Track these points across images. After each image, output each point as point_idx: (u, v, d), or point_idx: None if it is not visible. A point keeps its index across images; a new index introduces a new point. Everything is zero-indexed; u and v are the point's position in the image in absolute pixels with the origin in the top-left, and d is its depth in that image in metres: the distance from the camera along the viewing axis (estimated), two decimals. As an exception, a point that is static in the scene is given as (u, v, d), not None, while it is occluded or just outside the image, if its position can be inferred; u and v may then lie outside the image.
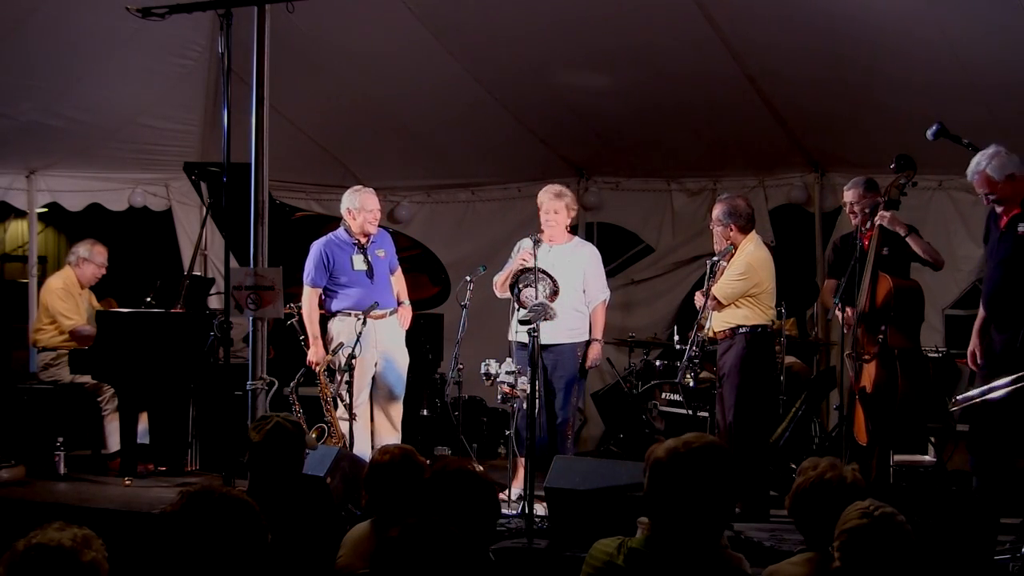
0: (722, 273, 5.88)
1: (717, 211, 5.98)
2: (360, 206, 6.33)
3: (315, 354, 6.28)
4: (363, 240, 6.38)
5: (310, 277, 6.36)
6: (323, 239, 6.43)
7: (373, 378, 6.36)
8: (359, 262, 6.36)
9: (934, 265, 5.66)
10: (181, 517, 2.41)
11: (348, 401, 6.14)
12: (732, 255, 5.89)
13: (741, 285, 5.78)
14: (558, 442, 6.14)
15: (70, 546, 2.18)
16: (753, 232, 5.98)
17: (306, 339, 6.36)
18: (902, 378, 5.47)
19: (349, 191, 6.49)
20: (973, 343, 5.32)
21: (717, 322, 5.99)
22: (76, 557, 2.18)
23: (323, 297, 6.41)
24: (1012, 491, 4.99)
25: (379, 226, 6.54)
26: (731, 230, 5.91)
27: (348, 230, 6.40)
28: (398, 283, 6.63)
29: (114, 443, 7.03)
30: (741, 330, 5.84)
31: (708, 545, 2.61)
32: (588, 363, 6.27)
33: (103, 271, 7.56)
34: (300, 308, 6.47)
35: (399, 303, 6.58)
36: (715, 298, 5.80)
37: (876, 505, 2.76)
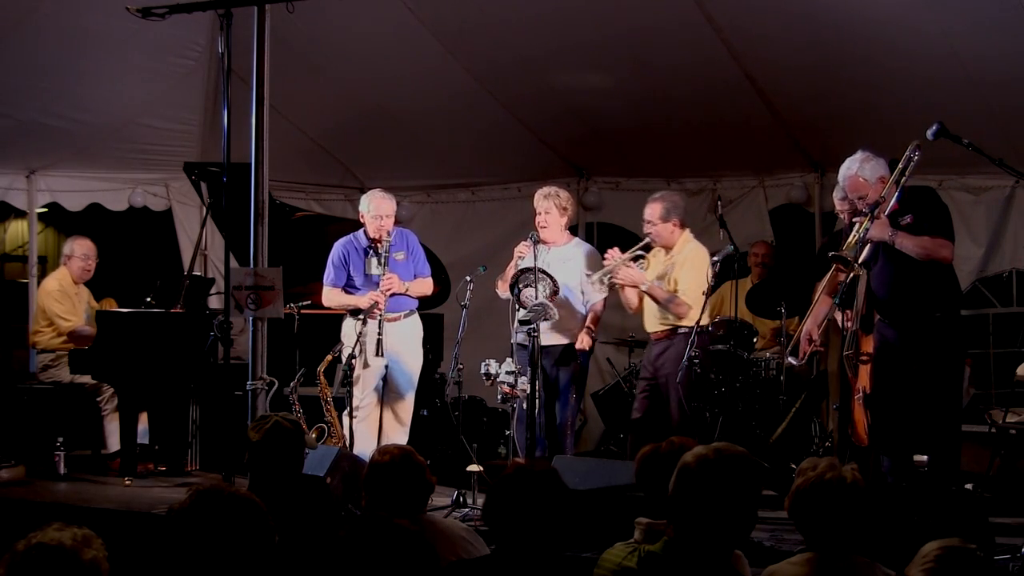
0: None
1: (658, 208, 5.96)
2: (367, 210, 6.28)
3: (369, 296, 6.18)
4: (379, 244, 6.33)
5: (329, 276, 6.38)
6: (344, 239, 6.42)
7: (384, 379, 6.34)
8: (373, 265, 6.32)
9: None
10: (190, 515, 2.40)
11: (348, 405, 6.14)
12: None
13: (700, 281, 5.77)
14: (558, 442, 6.13)
15: (70, 545, 2.18)
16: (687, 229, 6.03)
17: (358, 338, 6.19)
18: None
19: (366, 194, 6.46)
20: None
21: (651, 322, 5.92)
22: (76, 556, 2.17)
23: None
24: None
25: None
26: (675, 225, 5.92)
27: (366, 232, 6.37)
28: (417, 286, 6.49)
29: (114, 443, 7.03)
30: (681, 330, 5.80)
31: (727, 553, 2.61)
32: (577, 346, 6.14)
33: (91, 263, 7.49)
34: (300, 308, 6.52)
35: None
36: (689, 305, 5.77)
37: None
